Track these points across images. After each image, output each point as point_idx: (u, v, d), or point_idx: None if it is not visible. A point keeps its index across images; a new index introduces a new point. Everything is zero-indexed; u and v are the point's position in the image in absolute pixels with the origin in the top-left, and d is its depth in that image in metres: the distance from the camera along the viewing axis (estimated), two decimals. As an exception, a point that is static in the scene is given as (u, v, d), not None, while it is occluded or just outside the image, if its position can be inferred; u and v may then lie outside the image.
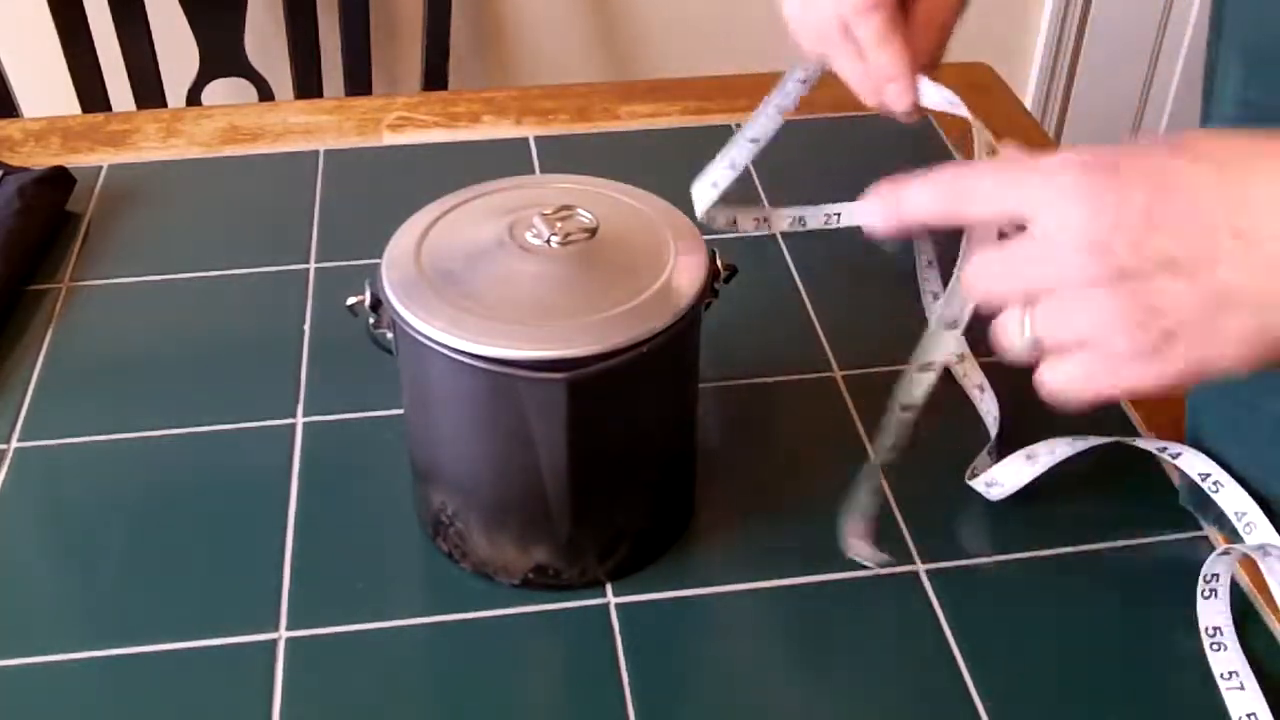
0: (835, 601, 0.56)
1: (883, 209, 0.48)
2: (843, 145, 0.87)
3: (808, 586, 0.56)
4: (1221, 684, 0.51)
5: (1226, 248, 0.41)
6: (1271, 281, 0.41)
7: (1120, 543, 0.58)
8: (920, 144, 0.86)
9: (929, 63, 0.63)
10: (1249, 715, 0.50)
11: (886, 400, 0.49)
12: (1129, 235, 0.41)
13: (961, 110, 0.62)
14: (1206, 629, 0.53)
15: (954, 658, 0.53)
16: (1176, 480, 0.61)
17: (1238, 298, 0.41)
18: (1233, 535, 0.57)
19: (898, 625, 0.55)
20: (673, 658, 0.54)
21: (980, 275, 0.46)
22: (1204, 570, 0.55)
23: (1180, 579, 0.56)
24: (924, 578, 0.57)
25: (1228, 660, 0.52)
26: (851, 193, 0.81)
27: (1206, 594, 0.54)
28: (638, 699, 0.52)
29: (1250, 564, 0.56)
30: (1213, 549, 0.57)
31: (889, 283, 0.74)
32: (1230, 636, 0.53)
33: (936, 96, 0.63)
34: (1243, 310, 0.41)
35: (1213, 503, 0.58)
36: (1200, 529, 0.59)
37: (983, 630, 0.54)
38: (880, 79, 0.62)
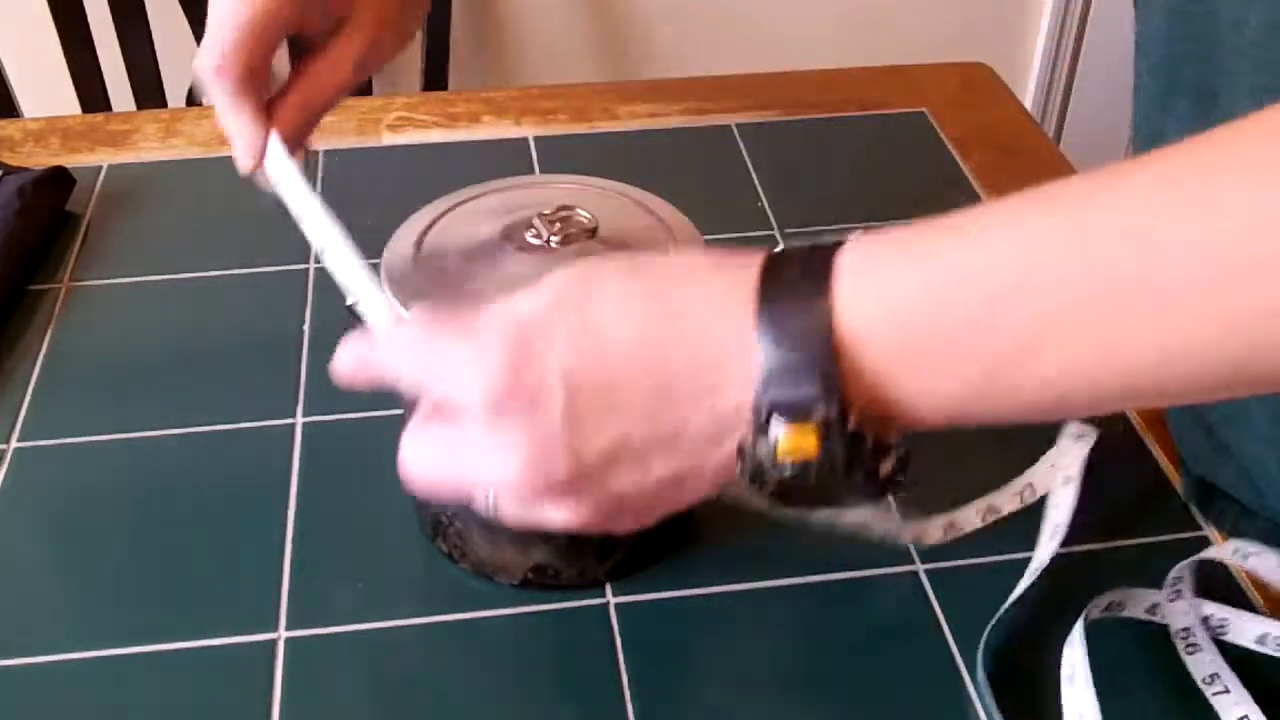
0: (835, 601, 0.56)
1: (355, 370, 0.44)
2: (843, 145, 0.87)
3: (808, 586, 0.56)
4: (1205, 689, 0.50)
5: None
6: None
7: (1120, 543, 0.58)
8: (920, 143, 0.86)
9: (293, 138, 0.58)
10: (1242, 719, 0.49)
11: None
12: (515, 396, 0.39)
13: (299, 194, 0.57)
14: (1178, 632, 0.53)
15: (953, 658, 0.53)
16: (1176, 480, 0.61)
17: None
18: (1231, 534, 0.57)
19: (898, 625, 0.55)
20: (673, 658, 0.54)
21: (413, 458, 0.42)
22: (1169, 578, 0.54)
23: (1180, 579, 0.56)
24: (924, 578, 0.56)
25: (1206, 663, 0.51)
26: (850, 192, 0.81)
27: (1171, 596, 0.53)
28: (637, 699, 0.52)
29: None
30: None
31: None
32: (1204, 638, 0.52)
33: (285, 170, 0.57)
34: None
35: (1212, 502, 0.59)
36: (1200, 529, 0.59)
37: (982, 630, 0.54)
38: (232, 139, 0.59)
